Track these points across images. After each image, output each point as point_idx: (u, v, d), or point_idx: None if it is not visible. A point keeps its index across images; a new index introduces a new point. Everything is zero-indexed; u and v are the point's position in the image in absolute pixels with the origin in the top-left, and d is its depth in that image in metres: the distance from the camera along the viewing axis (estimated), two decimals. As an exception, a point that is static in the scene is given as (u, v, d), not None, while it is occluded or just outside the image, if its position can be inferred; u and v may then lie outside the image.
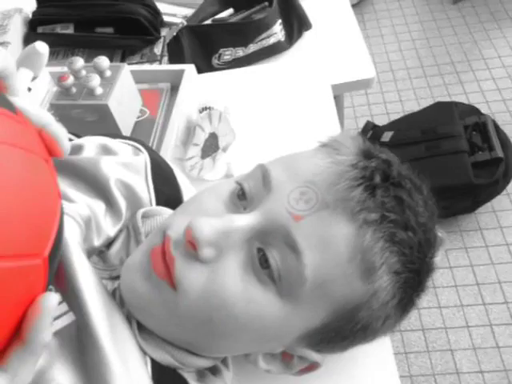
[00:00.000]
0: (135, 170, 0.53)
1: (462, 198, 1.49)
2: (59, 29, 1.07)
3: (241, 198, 0.42)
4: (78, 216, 0.45)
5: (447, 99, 1.88)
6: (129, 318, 0.42)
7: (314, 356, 0.44)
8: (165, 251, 0.40)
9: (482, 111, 1.61)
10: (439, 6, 2.34)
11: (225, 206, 0.42)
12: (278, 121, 0.77)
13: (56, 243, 0.27)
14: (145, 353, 0.42)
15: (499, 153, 1.46)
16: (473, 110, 1.57)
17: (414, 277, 0.40)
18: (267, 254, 0.39)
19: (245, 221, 0.39)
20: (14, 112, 0.27)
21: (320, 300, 0.39)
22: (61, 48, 1.08)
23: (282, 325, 0.40)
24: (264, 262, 0.39)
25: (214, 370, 0.48)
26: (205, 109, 0.73)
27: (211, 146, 0.67)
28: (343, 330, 0.42)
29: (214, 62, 0.88)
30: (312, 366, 0.45)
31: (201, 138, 0.69)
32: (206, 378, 0.47)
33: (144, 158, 0.54)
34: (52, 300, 0.25)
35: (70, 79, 0.67)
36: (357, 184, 0.38)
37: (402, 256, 0.39)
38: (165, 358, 0.43)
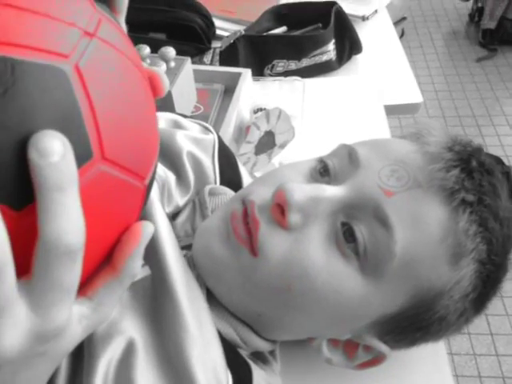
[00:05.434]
0: (204, 147, 0.53)
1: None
2: (113, 29, 1.09)
3: (323, 175, 0.42)
4: (157, 175, 0.45)
5: (468, 149, 1.91)
6: (198, 284, 0.41)
7: (381, 347, 0.42)
8: (246, 215, 0.39)
9: (505, 162, 1.62)
10: (463, 63, 2.41)
11: (307, 181, 0.42)
12: (330, 132, 0.78)
13: (153, 175, 0.27)
14: None
15: (521, 203, 1.46)
16: (497, 160, 1.59)
17: (495, 271, 0.40)
18: (354, 228, 0.38)
19: (335, 191, 0.39)
20: None
21: (404, 281, 0.38)
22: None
23: (359, 305, 0.39)
24: (349, 236, 0.38)
25: (263, 360, 0.46)
26: (259, 110, 0.74)
27: (267, 144, 0.68)
28: (419, 320, 0.40)
29: (266, 72, 0.90)
30: (375, 360, 0.44)
31: (255, 135, 0.69)
32: (257, 364, 0.45)
33: (213, 137, 0.55)
34: (152, 228, 0.25)
35: (136, 64, 0.68)
36: (454, 165, 0.38)
37: (489, 245, 0.38)
38: (229, 332, 0.41)
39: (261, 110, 0.74)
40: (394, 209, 0.37)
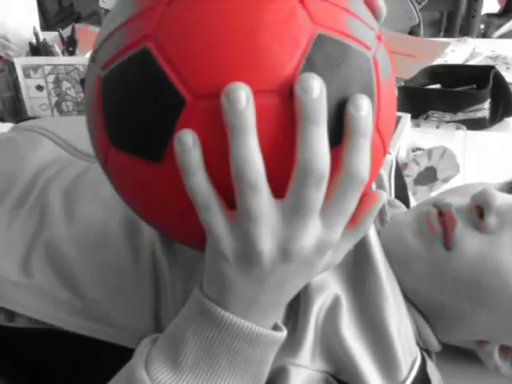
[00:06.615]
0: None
1: None
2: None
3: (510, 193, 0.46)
4: None
5: None
6: None
7: None
8: (440, 216, 0.44)
9: None
10: None
11: None
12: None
13: None
14: None
15: None
16: None
17: None
18: None
19: None
20: None
21: None
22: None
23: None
24: None
25: None
26: (418, 149, 0.80)
27: (427, 178, 0.72)
28: None
29: (421, 121, 0.96)
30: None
31: (414, 170, 0.75)
32: None
33: (392, 158, 0.61)
34: (385, 196, 0.31)
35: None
36: None
37: None
38: (409, 320, 0.45)
39: (419, 149, 0.80)
40: None
